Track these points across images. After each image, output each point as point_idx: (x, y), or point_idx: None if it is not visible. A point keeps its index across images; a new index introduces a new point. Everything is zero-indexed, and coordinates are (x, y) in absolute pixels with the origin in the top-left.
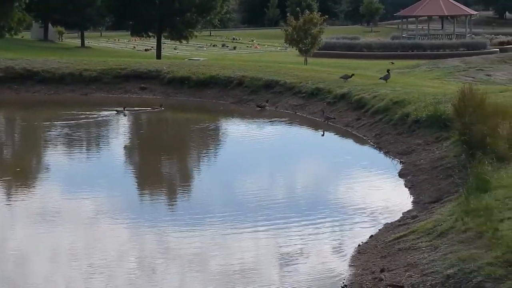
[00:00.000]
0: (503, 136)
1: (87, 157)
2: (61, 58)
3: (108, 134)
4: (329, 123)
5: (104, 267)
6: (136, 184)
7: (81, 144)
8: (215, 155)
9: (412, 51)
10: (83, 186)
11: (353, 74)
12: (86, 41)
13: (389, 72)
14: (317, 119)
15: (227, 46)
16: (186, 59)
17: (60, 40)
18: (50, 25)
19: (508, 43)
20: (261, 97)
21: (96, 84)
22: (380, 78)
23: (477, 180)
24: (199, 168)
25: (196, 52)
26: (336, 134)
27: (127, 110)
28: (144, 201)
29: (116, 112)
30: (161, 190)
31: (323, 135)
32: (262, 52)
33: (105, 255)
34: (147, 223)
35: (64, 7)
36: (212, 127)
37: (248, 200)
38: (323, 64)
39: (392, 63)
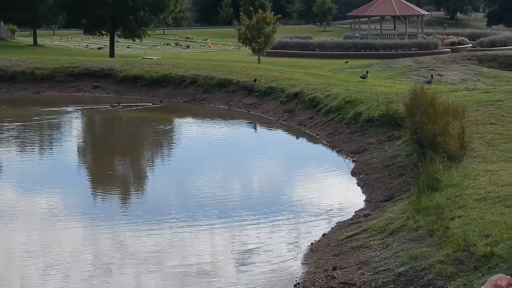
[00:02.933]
0: (454, 135)
1: (40, 158)
2: (13, 56)
3: (60, 135)
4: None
5: (58, 268)
6: (90, 184)
7: (34, 144)
8: (169, 155)
9: (365, 51)
10: (36, 186)
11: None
12: (38, 39)
13: (367, 72)
14: (271, 118)
15: (181, 45)
16: (139, 58)
17: (12, 38)
18: (1, 23)
19: (459, 43)
20: (214, 96)
21: (49, 82)
22: (360, 77)
23: (428, 178)
24: (153, 168)
25: (150, 51)
26: (289, 133)
27: (121, 105)
28: (98, 201)
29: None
30: (116, 190)
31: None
32: (215, 51)
33: (59, 255)
34: (102, 223)
35: (16, 5)
36: (166, 126)
37: (203, 199)
38: (276, 63)
39: (347, 62)
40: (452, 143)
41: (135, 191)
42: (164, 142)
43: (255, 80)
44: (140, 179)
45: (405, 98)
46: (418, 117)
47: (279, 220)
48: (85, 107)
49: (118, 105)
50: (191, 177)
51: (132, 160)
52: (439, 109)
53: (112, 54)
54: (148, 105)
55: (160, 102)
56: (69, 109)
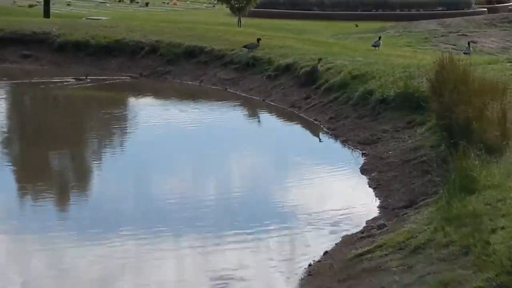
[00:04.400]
0: (493, 121)
1: None
2: None
3: None
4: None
5: None
6: (15, 184)
7: None
8: (123, 147)
9: (377, 11)
10: None
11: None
12: None
13: (380, 39)
14: (254, 97)
15: (137, 2)
16: (83, 18)
17: None
18: None
19: (499, 1)
20: (181, 68)
21: None
22: (372, 45)
23: (461, 177)
24: (102, 164)
25: (97, 10)
26: (279, 118)
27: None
28: (27, 207)
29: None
30: (53, 193)
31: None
32: (182, 9)
33: None
34: (30, 237)
35: None
36: (119, 110)
37: (167, 207)
38: (262, 26)
39: (357, 25)
40: (490, 130)
41: (77, 195)
42: (113, 132)
43: (319, 61)
44: (82, 180)
45: (429, 72)
46: (446, 97)
47: (268, 234)
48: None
49: (86, 78)
50: (151, 178)
51: (71, 154)
52: (473, 87)
53: (47, 13)
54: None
55: (85, 78)
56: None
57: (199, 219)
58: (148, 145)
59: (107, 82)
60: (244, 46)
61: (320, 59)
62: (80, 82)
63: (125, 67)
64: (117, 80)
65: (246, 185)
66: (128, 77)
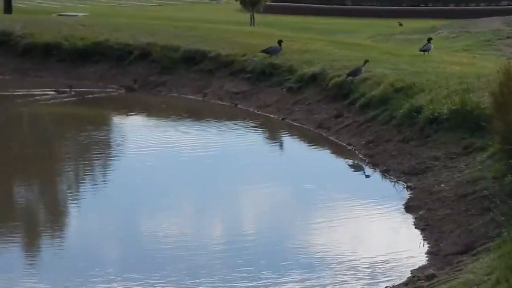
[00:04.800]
0: None
1: None
2: None
3: None
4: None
5: None
6: None
7: None
8: (107, 180)
9: (426, 5)
10: None
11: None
12: None
13: (430, 41)
14: (272, 115)
15: None
16: (54, 15)
17: None
18: None
19: None
20: (179, 78)
21: None
22: (420, 50)
23: None
24: (81, 202)
25: (72, 3)
26: (303, 142)
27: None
28: None
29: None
30: (19, 237)
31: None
32: (180, 4)
33: None
34: None
35: None
36: (101, 132)
37: (163, 254)
38: (281, 25)
39: (400, 24)
40: None
41: (48, 240)
42: (95, 160)
43: (365, 63)
44: (55, 221)
45: (492, 84)
46: None
47: (292, 285)
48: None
49: (70, 90)
50: (141, 219)
51: (41, 189)
52: None
53: (8, 8)
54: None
55: (69, 90)
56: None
57: (203, 270)
58: (138, 177)
59: (86, 95)
60: (263, 51)
61: (366, 61)
62: (61, 95)
63: (108, 77)
64: (99, 94)
65: (263, 227)
66: (113, 90)
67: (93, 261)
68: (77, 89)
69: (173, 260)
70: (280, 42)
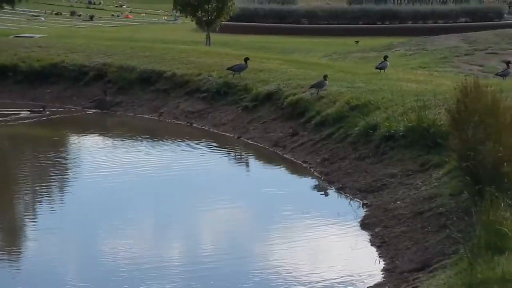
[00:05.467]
0: None
1: None
2: None
3: None
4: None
5: None
6: None
7: None
8: (62, 202)
9: (383, 23)
10: None
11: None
12: None
13: (386, 59)
14: (227, 134)
15: (80, 15)
16: (11, 36)
17: None
18: None
19: None
20: (135, 98)
21: None
22: (376, 67)
23: (488, 233)
24: (37, 221)
25: (28, 25)
26: (259, 160)
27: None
28: None
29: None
30: None
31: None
32: (137, 24)
33: None
34: None
35: None
36: (56, 153)
37: (119, 276)
38: (238, 45)
39: (357, 42)
40: None
41: (5, 259)
42: (48, 183)
43: (325, 78)
44: (13, 240)
45: (449, 101)
46: (471, 132)
47: None
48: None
49: (44, 110)
50: (99, 235)
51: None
52: (505, 119)
53: None
54: (24, 113)
55: (42, 110)
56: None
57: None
58: (92, 198)
59: (41, 116)
60: (229, 69)
61: (326, 76)
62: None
63: (64, 98)
64: (54, 114)
65: (218, 247)
66: (69, 110)
67: (50, 283)
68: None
69: (131, 281)
70: (246, 59)
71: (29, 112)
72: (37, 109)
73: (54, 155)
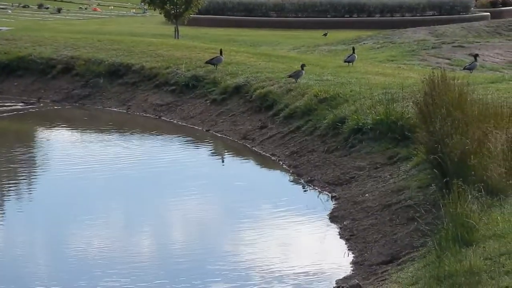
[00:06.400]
0: (496, 155)
1: None
2: None
3: None
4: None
5: None
6: None
7: None
8: (31, 194)
9: (351, 16)
10: None
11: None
12: None
13: (354, 51)
14: (196, 127)
15: (47, 7)
16: None
17: None
18: None
19: (504, 2)
20: (103, 91)
21: None
22: (345, 61)
23: (456, 226)
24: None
25: None
26: (228, 153)
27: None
28: None
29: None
30: None
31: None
32: (105, 17)
33: None
34: None
35: None
36: (22, 147)
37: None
38: (206, 37)
39: (325, 34)
40: (493, 167)
41: None
42: (14, 177)
43: (302, 67)
44: None
45: (417, 94)
46: (438, 125)
47: None
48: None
49: (38, 101)
50: (69, 234)
51: None
52: (472, 112)
53: None
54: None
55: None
56: None
57: (130, 282)
58: (60, 193)
59: (8, 109)
60: (208, 62)
61: (303, 65)
62: (28, 107)
63: (31, 91)
64: (20, 107)
65: (187, 239)
66: (35, 103)
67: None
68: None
69: (101, 278)
70: (221, 51)
71: (23, 104)
72: (32, 101)
73: (21, 149)
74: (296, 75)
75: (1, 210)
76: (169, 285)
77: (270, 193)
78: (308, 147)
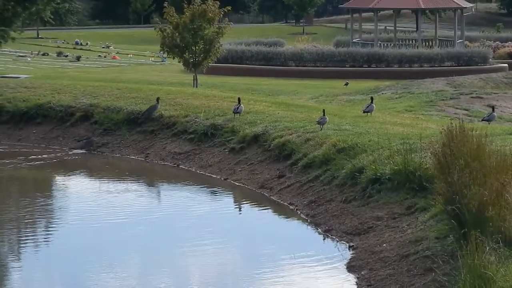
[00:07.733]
0: None
1: None
2: None
3: None
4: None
5: None
6: None
7: None
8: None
9: (369, 66)
10: None
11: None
12: None
13: (372, 101)
14: (214, 176)
15: (67, 55)
16: None
17: None
18: None
19: None
20: (122, 139)
21: None
22: (364, 111)
23: (473, 277)
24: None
25: (14, 65)
26: (245, 202)
27: None
28: None
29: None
30: None
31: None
32: (124, 65)
33: None
34: None
35: None
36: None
37: None
38: (225, 86)
39: (347, 84)
40: (511, 218)
41: None
42: (31, 228)
43: (324, 112)
44: None
45: (435, 145)
46: (456, 175)
47: None
48: None
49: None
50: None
51: None
52: (490, 163)
53: None
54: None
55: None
56: None
57: None
58: (79, 240)
59: (26, 158)
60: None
61: (324, 111)
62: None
63: (50, 138)
64: (39, 156)
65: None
66: (54, 151)
67: None
68: (15, 150)
69: None
70: (239, 100)
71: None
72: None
73: (40, 197)
74: (322, 121)
75: (22, 255)
76: None
77: (288, 242)
78: (326, 197)
